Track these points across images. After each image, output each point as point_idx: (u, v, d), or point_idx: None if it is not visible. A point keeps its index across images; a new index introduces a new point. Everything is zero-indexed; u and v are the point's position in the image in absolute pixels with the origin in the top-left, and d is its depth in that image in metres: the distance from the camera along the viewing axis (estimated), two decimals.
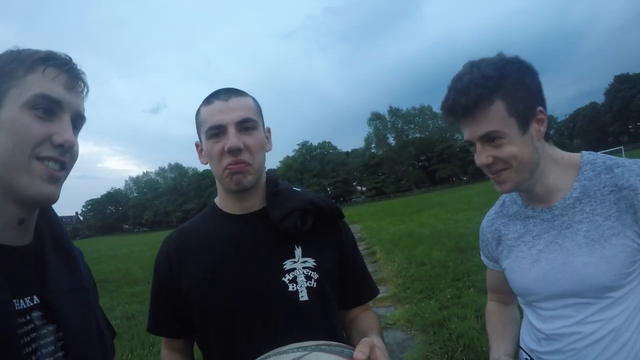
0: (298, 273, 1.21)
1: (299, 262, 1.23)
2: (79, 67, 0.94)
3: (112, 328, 1.20)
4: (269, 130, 1.35)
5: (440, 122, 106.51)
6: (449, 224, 13.81)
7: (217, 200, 1.38)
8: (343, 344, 0.95)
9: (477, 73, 1.13)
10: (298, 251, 1.24)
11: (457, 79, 1.17)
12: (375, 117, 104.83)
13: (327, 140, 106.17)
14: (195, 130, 1.31)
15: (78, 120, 0.94)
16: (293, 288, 1.19)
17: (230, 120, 1.18)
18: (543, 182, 1.23)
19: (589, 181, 1.19)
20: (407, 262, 8.72)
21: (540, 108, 1.17)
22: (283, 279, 1.20)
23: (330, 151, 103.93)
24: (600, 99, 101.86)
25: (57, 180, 0.88)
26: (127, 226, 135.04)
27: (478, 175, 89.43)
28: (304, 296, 1.19)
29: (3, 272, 0.79)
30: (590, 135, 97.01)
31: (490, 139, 1.14)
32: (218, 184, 1.31)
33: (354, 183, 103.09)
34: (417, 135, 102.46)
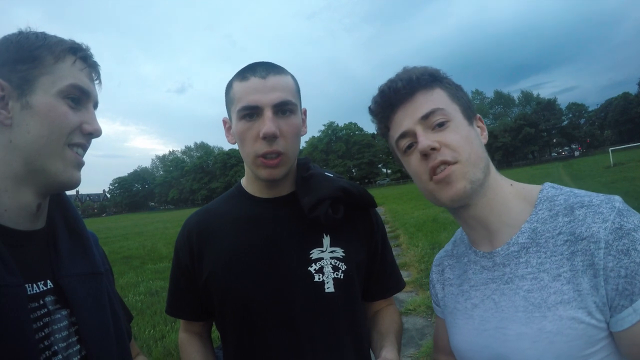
0: (325, 263, 1.16)
1: (327, 251, 1.17)
2: (95, 59, 0.97)
3: (129, 312, 1.20)
4: (305, 112, 1.25)
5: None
6: None
7: (243, 181, 1.31)
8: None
9: (415, 69, 1.03)
10: (326, 240, 1.18)
11: (392, 76, 1.05)
12: None
13: (353, 122, 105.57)
14: (225, 107, 1.22)
15: (95, 108, 0.98)
16: (319, 278, 1.14)
17: (267, 102, 1.08)
18: (490, 205, 0.99)
19: (541, 224, 0.92)
20: (430, 247, 8.63)
21: (479, 116, 1.05)
22: (309, 268, 1.15)
23: (357, 132, 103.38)
24: (633, 89, 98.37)
25: (82, 166, 0.93)
26: (153, 204, 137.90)
27: (505, 162, 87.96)
28: (329, 287, 1.14)
29: (16, 257, 0.80)
30: (621, 127, 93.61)
31: (434, 123, 0.96)
32: (246, 167, 1.24)
33: (379, 165, 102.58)
34: None
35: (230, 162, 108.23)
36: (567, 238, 0.87)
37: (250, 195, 1.26)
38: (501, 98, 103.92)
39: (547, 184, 1.00)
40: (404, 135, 1.00)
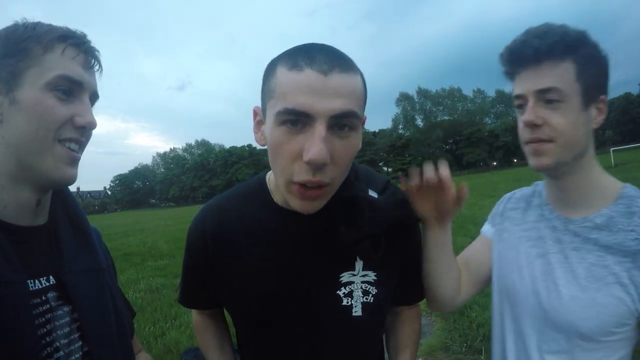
0: (355, 287, 1.04)
1: (358, 275, 1.04)
2: (93, 44, 0.91)
3: (132, 308, 1.19)
4: (364, 121, 0.94)
5: (469, 105, 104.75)
6: (474, 209, 13.64)
7: (269, 181, 1.10)
8: None
9: (557, 27, 1.01)
10: (359, 264, 1.04)
11: (532, 28, 1.03)
12: (404, 98, 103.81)
13: None
14: (260, 94, 0.95)
15: (94, 99, 0.93)
16: (347, 302, 1.03)
17: (324, 111, 0.80)
18: (576, 182, 1.07)
19: (618, 215, 1.02)
20: None
21: (603, 97, 1.04)
22: (338, 292, 1.03)
23: None
24: (635, 89, 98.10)
25: (77, 161, 0.88)
26: (153, 201, 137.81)
27: (506, 161, 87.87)
28: (357, 311, 1.04)
29: (18, 253, 0.79)
30: (623, 127, 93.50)
31: (547, 100, 1.00)
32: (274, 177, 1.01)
33: (380, 164, 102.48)
34: (446, 117, 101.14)
35: (231, 160, 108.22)
36: (637, 237, 0.98)
37: (276, 203, 1.06)
38: (503, 97, 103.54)
39: (629, 185, 1.09)
40: (518, 96, 1.06)
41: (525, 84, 1.03)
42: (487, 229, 1.33)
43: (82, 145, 0.89)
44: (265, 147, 0.92)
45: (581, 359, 1.02)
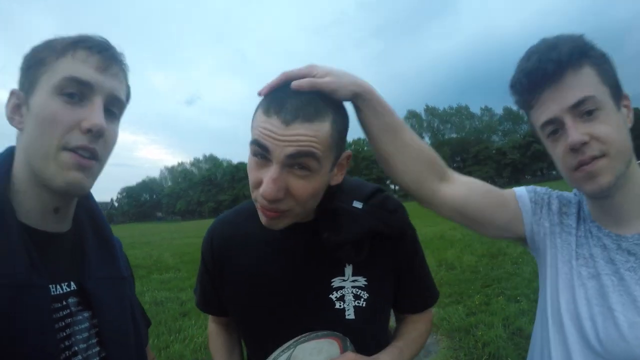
0: (346, 292, 1.12)
1: (349, 280, 1.13)
2: (115, 48, 0.90)
3: (148, 318, 1.23)
4: (348, 157, 1.06)
5: (477, 122, 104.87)
6: None
7: None
8: (314, 331, 1.02)
9: (566, 38, 0.95)
10: (348, 269, 1.13)
11: (540, 44, 0.97)
12: (412, 115, 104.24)
13: (361, 137, 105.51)
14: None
15: (115, 104, 0.90)
16: (340, 306, 1.11)
17: (278, 154, 0.89)
18: (625, 196, 0.97)
19: None
20: (437, 264, 8.60)
21: (625, 93, 0.97)
22: (330, 296, 1.12)
23: (365, 148, 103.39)
24: None
25: (86, 168, 0.84)
26: (160, 214, 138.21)
27: (514, 178, 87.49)
28: (350, 315, 1.11)
29: (41, 257, 0.81)
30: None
31: (583, 112, 0.91)
32: None
33: (387, 182, 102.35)
34: (453, 135, 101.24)
35: (238, 175, 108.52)
36: None
37: None
38: (510, 114, 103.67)
39: None
40: (550, 122, 0.95)
41: (553, 105, 0.93)
42: (524, 201, 1.14)
43: (94, 154, 0.84)
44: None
45: None
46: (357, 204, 1.12)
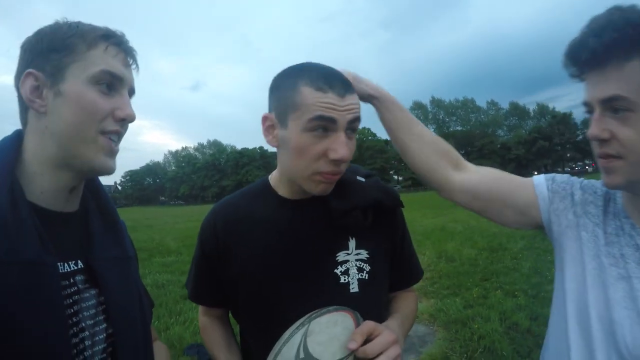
0: (351, 265, 1.18)
1: (352, 254, 1.19)
2: (130, 44, 0.98)
3: (151, 298, 1.25)
4: None
5: (482, 116, 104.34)
6: (483, 221, 13.55)
7: (271, 179, 1.29)
8: (326, 307, 1.04)
9: (619, 15, 0.86)
10: (352, 243, 1.20)
11: (594, 19, 0.90)
12: (417, 107, 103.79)
13: (366, 127, 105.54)
14: (267, 102, 1.16)
15: (131, 95, 0.99)
16: (344, 280, 1.16)
17: (344, 121, 1.04)
18: None
19: None
20: (436, 256, 8.66)
21: None
22: (335, 270, 1.17)
23: (369, 138, 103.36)
24: None
25: (114, 152, 0.94)
26: (163, 198, 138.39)
27: (517, 174, 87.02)
28: (354, 288, 1.17)
29: (50, 236, 0.85)
30: None
31: (614, 108, 0.87)
32: (282, 170, 1.21)
33: (391, 172, 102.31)
34: (459, 128, 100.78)
35: (242, 161, 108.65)
36: None
37: (279, 196, 1.25)
38: (517, 110, 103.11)
39: None
40: (585, 103, 0.95)
41: (590, 91, 0.92)
42: (542, 189, 1.12)
43: (120, 136, 0.96)
44: (276, 148, 1.16)
45: None
46: (360, 179, 1.25)
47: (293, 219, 1.20)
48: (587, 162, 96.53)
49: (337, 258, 1.18)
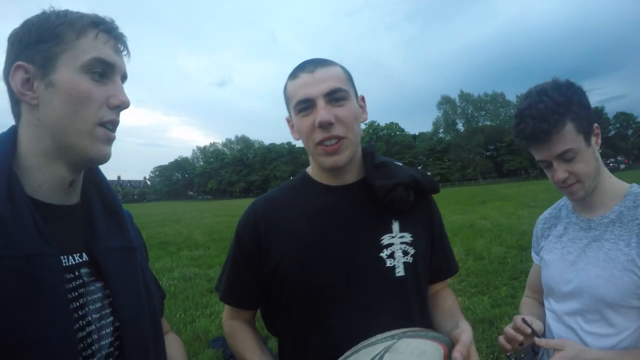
0: (396, 248, 1.19)
1: (397, 237, 1.20)
2: (121, 30, 0.96)
3: (162, 290, 1.23)
4: (362, 98, 1.29)
5: (512, 110, 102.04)
6: (512, 219, 13.35)
7: (309, 170, 1.34)
8: (425, 329, 1.03)
9: (549, 101, 1.27)
10: (395, 226, 1.21)
11: (530, 107, 1.29)
12: (445, 101, 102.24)
13: (394, 122, 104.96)
14: (285, 107, 1.28)
15: (124, 81, 0.97)
16: (390, 264, 1.17)
17: (317, 93, 1.13)
18: (594, 193, 1.37)
19: (626, 210, 1.34)
20: (465, 253, 8.50)
21: (596, 124, 1.34)
22: (380, 254, 1.17)
23: (397, 133, 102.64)
24: None
25: (111, 140, 0.93)
26: (191, 193, 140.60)
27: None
28: (400, 271, 1.17)
29: (51, 230, 0.83)
30: None
31: (565, 158, 1.28)
32: (312, 159, 1.27)
33: (419, 167, 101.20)
34: (487, 123, 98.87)
35: (270, 157, 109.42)
36: None
37: (318, 183, 1.28)
38: None
39: (635, 185, 1.40)
40: (541, 161, 1.35)
41: (543, 153, 1.32)
42: (534, 258, 1.67)
43: (116, 124, 0.94)
44: (301, 141, 1.25)
45: (612, 318, 1.29)
46: (397, 163, 1.33)
47: (334, 204, 1.23)
48: (619, 158, 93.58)
49: (382, 242, 1.19)
